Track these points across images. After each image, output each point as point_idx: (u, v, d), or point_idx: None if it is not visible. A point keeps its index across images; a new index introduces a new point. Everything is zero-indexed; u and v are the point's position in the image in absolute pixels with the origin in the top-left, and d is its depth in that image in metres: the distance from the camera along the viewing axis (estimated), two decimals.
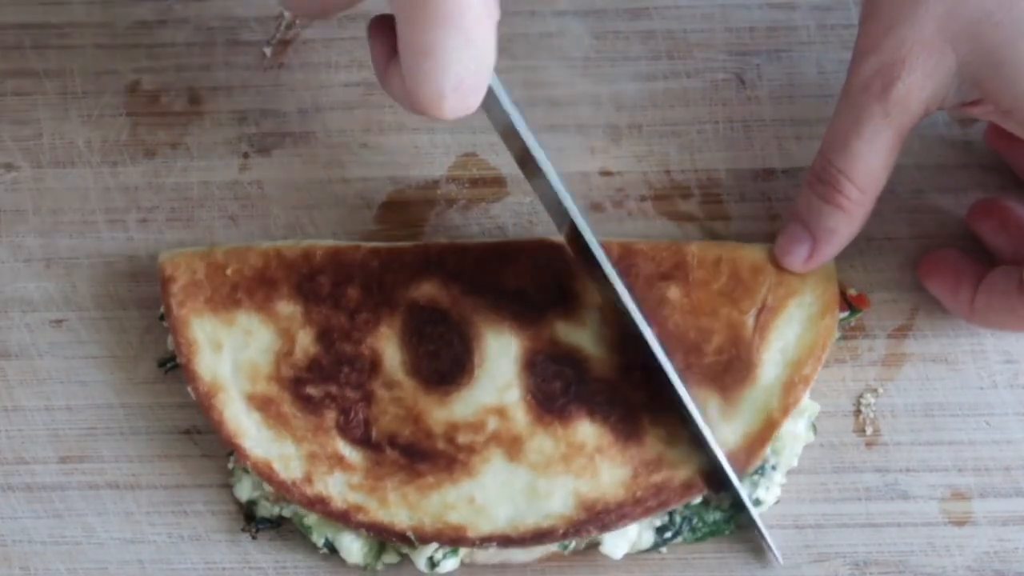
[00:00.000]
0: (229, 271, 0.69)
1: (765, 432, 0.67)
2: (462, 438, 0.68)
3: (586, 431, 0.68)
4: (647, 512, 0.67)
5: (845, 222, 0.66)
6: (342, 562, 0.70)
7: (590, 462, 0.68)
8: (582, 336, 0.69)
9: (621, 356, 0.68)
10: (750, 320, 0.68)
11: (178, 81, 0.74)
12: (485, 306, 0.69)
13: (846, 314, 0.70)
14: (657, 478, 0.67)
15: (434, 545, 0.68)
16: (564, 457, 0.68)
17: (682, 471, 0.68)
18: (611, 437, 0.68)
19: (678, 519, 0.69)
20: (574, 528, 0.67)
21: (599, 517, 0.67)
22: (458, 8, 0.54)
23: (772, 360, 0.68)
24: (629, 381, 0.68)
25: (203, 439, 0.71)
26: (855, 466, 0.71)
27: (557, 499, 0.67)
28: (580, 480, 0.67)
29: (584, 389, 0.68)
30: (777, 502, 0.70)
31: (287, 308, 0.69)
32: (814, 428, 0.70)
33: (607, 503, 0.67)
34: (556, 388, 0.68)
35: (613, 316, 0.68)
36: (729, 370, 0.68)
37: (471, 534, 0.67)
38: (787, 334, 0.68)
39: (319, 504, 0.68)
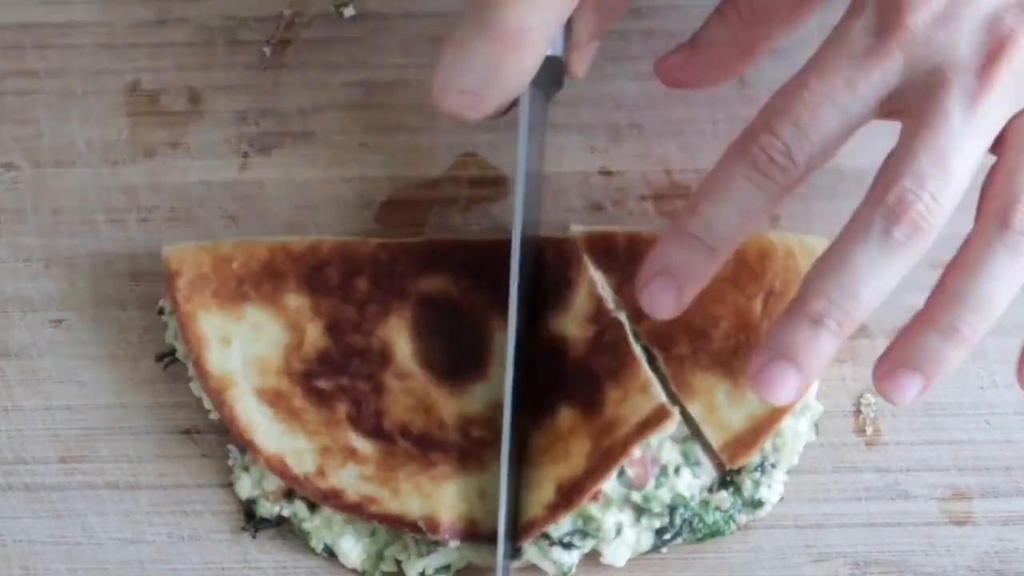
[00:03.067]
0: (235, 264, 0.69)
1: (774, 415, 0.67)
2: (475, 431, 0.68)
3: (564, 416, 0.68)
4: (598, 478, 0.66)
5: None
6: (342, 564, 0.70)
7: (564, 445, 0.67)
8: (567, 323, 0.69)
9: (594, 327, 0.68)
10: (758, 306, 0.68)
11: (178, 81, 0.74)
12: (496, 302, 0.68)
13: None
14: (606, 442, 0.67)
15: (425, 559, 0.68)
16: (547, 446, 0.67)
17: (623, 429, 0.66)
18: (581, 415, 0.67)
19: (678, 520, 0.69)
20: (550, 513, 0.66)
21: (567, 496, 0.66)
22: None
23: None
24: (597, 349, 0.68)
25: (203, 439, 0.71)
26: (855, 466, 0.71)
27: (545, 490, 0.67)
28: (557, 465, 0.67)
29: (563, 376, 0.68)
30: (781, 499, 0.70)
31: (295, 301, 0.69)
32: (816, 428, 0.70)
33: (571, 480, 0.66)
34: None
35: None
36: (737, 355, 0.67)
37: (483, 528, 0.67)
38: None
39: (332, 497, 0.67)
